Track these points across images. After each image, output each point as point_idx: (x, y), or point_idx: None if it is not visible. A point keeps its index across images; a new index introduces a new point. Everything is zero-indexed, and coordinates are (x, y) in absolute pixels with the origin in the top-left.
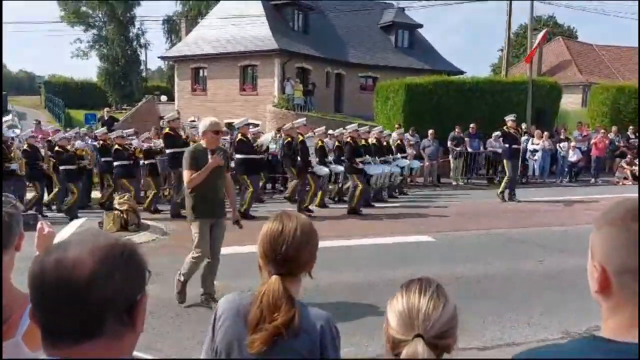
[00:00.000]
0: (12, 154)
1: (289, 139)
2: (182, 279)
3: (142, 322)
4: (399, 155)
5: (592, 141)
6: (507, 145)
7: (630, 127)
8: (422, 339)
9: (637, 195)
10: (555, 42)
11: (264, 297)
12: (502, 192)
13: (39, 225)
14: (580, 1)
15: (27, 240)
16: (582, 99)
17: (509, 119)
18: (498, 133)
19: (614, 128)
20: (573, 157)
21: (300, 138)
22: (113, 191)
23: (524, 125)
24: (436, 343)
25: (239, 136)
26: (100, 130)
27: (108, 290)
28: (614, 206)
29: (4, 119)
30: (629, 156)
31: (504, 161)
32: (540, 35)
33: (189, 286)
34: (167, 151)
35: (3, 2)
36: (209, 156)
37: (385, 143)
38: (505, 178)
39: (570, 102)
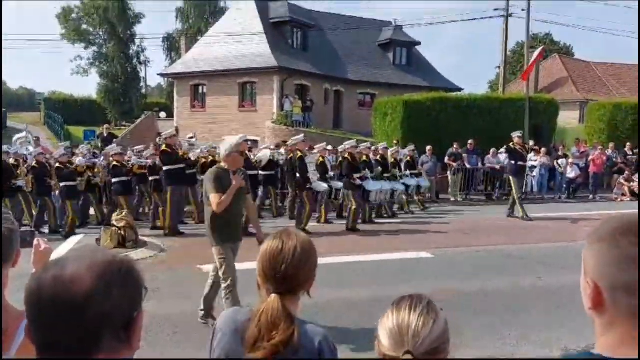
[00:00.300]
0: (19, 171)
1: (291, 154)
2: (228, 306)
3: (139, 339)
4: (408, 172)
5: (590, 157)
6: (512, 162)
7: (628, 144)
8: (412, 356)
9: (630, 211)
10: (552, 60)
11: (263, 316)
12: (512, 209)
13: (35, 241)
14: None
15: (24, 257)
16: (579, 115)
17: (516, 135)
18: (503, 150)
19: (611, 144)
20: (571, 173)
21: (299, 154)
22: (111, 208)
23: (531, 142)
24: (427, 359)
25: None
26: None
27: (105, 307)
28: (605, 223)
29: (18, 135)
30: (626, 172)
31: (510, 178)
32: (536, 53)
33: (184, 299)
34: (164, 168)
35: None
36: (231, 177)
37: (392, 160)
38: (515, 195)
39: (567, 118)
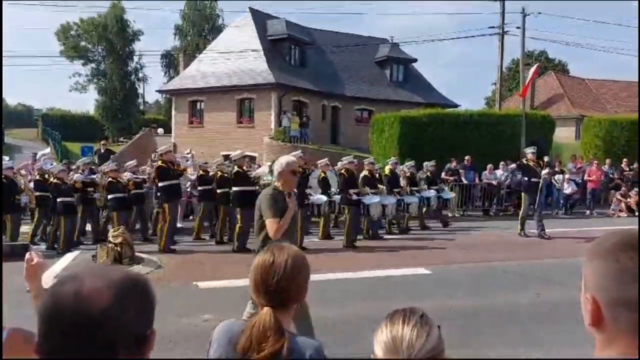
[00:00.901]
0: (24, 187)
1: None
2: None
3: (149, 355)
4: (425, 187)
5: (587, 173)
6: (526, 179)
7: (624, 160)
8: None
9: (629, 227)
10: (548, 76)
11: (255, 328)
12: (537, 228)
13: (27, 255)
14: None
15: (17, 271)
16: (575, 131)
17: (529, 151)
18: (513, 165)
19: (608, 160)
20: (568, 189)
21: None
22: (106, 224)
23: (545, 158)
24: None
25: (236, 168)
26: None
27: (122, 323)
28: (604, 238)
29: (42, 152)
30: (623, 188)
31: (522, 195)
32: (532, 70)
33: (180, 316)
34: (160, 184)
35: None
36: (287, 200)
37: (409, 174)
38: (534, 212)
39: (563, 135)
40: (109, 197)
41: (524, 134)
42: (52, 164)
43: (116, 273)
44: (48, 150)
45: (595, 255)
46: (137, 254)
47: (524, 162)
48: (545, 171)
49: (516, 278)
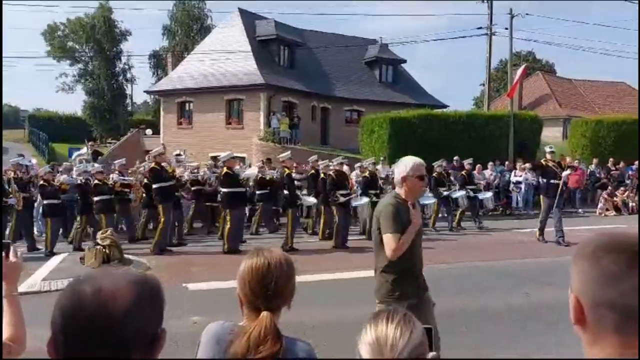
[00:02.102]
0: (11, 189)
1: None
2: None
3: (158, 355)
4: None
5: (565, 174)
6: (544, 181)
7: (611, 159)
8: None
9: (614, 227)
10: (535, 77)
11: (254, 331)
12: (560, 236)
13: (11, 254)
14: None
15: None
16: (562, 132)
17: (549, 150)
18: (528, 165)
19: (594, 160)
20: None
21: (287, 171)
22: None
23: (568, 159)
24: None
25: (225, 169)
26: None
27: (139, 323)
28: (588, 241)
29: (77, 152)
30: (609, 188)
31: (541, 198)
32: (520, 71)
33: (169, 318)
34: (153, 186)
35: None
36: (411, 212)
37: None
38: (554, 219)
39: (550, 135)
40: (95, 199)
41: (512, 134)
42: (93, 165)
43: (132, 274)
44: (84, 150)
45: (579, 258)
46: (125, 255)
47: (543, 162)
48: (566, 172)
49: (506, 278)
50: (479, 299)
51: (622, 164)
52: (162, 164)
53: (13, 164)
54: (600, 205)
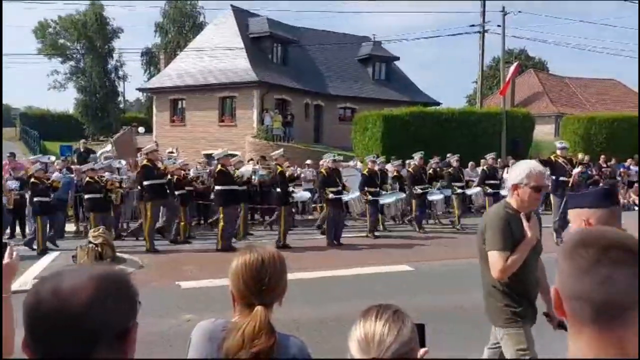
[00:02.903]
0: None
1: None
2: None
3: (133, 350)
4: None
5: (575, 172)
6: (553, 177)
7: (602, 156)
8: None
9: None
10: (528, 74)
11: (248, 327)
12: (556, 233)
13: (6, 255)
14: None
15: None
16: (554, 129)
17: (561, 146)
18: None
19: (586, 157)
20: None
21: (280, 169)
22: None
23: (580, 155)
24: None
25: (219, 167)
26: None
27: (101, 318)
28: (569, 237)
29: (102, 150)
30: (601, 184)
31: (551, 197)
32: (512, 68)
33: (162, 316)
34: (145, 183)
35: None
36: (525, 225)
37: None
38: (553, 217)
39: (543, 132)
40: (86, 197)
41: (505, 131)
42: (119, 162)
43: (96, 269)
44: (109, 147)
45: (560, 252)
46: (118, 254)
47: (552, 158)
48: (577, 170)
49: None
50: (470, 294)
51: (614, 161)
52: (155, 161)
53: (32, 161)
54: None
